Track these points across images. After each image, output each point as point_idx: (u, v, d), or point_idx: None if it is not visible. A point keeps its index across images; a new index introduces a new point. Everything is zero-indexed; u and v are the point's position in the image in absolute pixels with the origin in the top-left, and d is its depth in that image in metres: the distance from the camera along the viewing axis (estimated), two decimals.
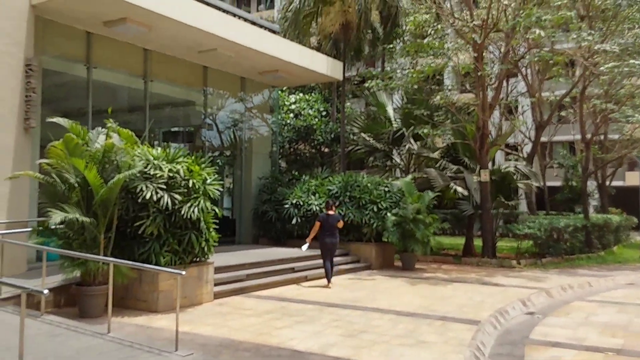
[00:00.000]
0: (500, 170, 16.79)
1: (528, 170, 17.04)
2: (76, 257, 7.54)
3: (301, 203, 14.56)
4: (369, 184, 14.44)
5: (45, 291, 4.76)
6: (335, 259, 13.38)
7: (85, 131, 8.16)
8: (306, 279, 11.72)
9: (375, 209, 13.93)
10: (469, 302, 9.72)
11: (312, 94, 22.49)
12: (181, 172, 8.44)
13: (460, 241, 21.15)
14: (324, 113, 21.53)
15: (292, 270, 11.84)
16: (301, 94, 21.92)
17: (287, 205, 14.67)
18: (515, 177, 16.72)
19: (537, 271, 14.41)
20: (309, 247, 11.68)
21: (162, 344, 6.39)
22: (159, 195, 8.11)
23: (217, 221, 9.25)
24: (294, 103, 20.90)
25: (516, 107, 25.66)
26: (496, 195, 16.28)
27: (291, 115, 20.34)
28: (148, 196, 8.03)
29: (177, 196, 8.25)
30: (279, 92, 20.27)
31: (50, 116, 8.23)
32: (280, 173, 17.27)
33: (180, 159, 8.63)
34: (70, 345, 6.07)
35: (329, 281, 11.13)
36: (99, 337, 6.41)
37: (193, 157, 8.84)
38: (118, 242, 8.51)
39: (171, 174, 8.30)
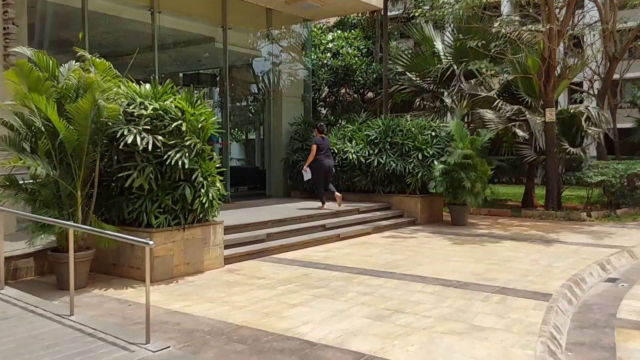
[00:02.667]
0: (568, 111, 14.47)
1: (600, 114, 14.58)
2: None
3: (336, 151, 12.85)
4: (412, 128, 12.55)
5: None
6: (376, 214, 11.85)
7: (55, 63, 6.65)
8: (339, 237, 10.15)
9: (420, 157, 12.09)
10: (533, 266, 7.92)
11: (352, 32, 20.33)
12: (172, 111, 6.86)
13: (517, 190, 19.10)
14: (364, 51, 19.41)
15: (323, 227, 10.28)
16: (339, 31, 19.83)
17: None
18: (585, 120, 14.36)
19: (612, 225, 12.34)
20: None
21: (136, 331, 4.99)
22: (143, 139, 6.58)
23: (221, 171, 7.72)
24: (332, 41, 18.85)
25: (582, 39, 22.75)
26: (562, 139, 14.06)
27: (328, 54, 18.35)
28: (130, 140, 6.52)
29: (161, 138, 6.70)
30: (314, 29, 18.35)
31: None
32: (316, 118, 15.52)
33: (170, 97, 7.04)
34: (15, 333, 4.74)
35: (323, 203, 11.29)
36: (56, 322, 5.05)
37: (183, 93, 7.22)
38: (104, 200, 7.12)
39: (157, 114, 6.74)
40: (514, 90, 15.56)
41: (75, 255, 6.44)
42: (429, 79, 16.39)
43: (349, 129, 13.29)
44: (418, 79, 16.94)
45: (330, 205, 11.46)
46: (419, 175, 11.98)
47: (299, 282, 6.93)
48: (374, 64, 19.38)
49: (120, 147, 6.65)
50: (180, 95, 7.13)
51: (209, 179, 7.31)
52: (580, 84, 25.96)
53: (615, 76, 22.57)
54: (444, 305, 5.92)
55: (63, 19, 10.40)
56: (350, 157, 12.50)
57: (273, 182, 14.19)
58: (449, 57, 16.11)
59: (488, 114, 13.88)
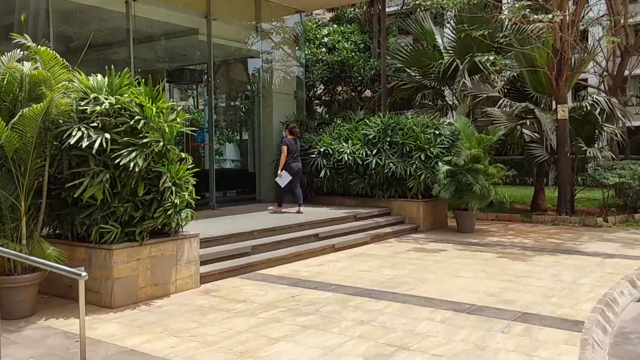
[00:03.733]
0: (582, 107, 13.43)
1: (615, 106, 13.53)
2: None
3: (330, 151, 11.83)
4: (414, 126, 11.53)
5: None
6: (375, 220, 10.92)
7: None
8: (334, 248, 9.13)
9: (422, 157, 11.07)
10: (555, 284, 6.91)
11: (349, 26, 19.31)
12: (129, 107, 5.85)
13: (524, 192, 18.15)
14: (362, 46, 18.38)
15: (316, 237, 9.26)
16: (335, 25, 18.81)
17: (313, 155, 11.99)
18: (598, 114, 13.31)
19: (633, 231, 11.33)
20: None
21: None
22: (90, 139, 5.56)
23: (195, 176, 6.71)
24: (327, 35, 17.81)
25: (589, 33, 21.76)
26: (575, 139, 13.04)
27: (323, 49, 17.30)
28: (74, 141, 5.49)
29: (109, 136, 5.68)
30: (309, 23, 17.37)
31: None
32: (310, 117, 14.48)
33: (128, 90, 6.03)
34: None
35: (280, 205, 10.91)
36: None
37: (142, 86, 6.20)
38: (57, 211, 6.10)
39: (113, 109, 5.74)
40: (520, 86, 14.59)
41: (17, 279, 5.49)
42: (430, 75, 15.38)
43: (344, 127, 12.28)
44: (418, 75, 15.95)
45: (290, 209, 10.99)
46: (422, 177, 10.96)
47: (285, 307, 5.91)
48: (371, 59, 18.38)
49: (69, 148, 5.64)
50: (138, 89, 6.10)
51: (179, 184, 6.30)
52: (585, 80, 24.95)
53: (626, 73, 21.65)
54: (457, 338, 4.90)
55: (24, 10, 9.35)
56: (346, 158, 11.48)
57: (264, 186, 13.17)
58: (451, 52, 15.11)
59: (495, 111, 12.85)
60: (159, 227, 6.39)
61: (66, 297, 6.28)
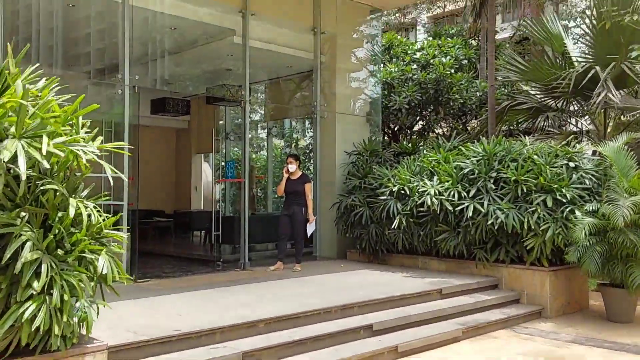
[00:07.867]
0: None
1: None
2: None
3: (407, 191, 8.21)
4: (535, 155, 7.70)
5: None
6: (473, 298, 7.15)
7: None
8: (396, 353, 5.49)
9: (548, 203, 7.16)
10: None
11: (449, 40, 15.75)
12: None
13: None
14: (464, 62, 14.71)
15: (369, 330, 5.68)
16: (430, 38, 15.37)
17: (384, 197, 8.46)
18: None
19: None
20: None
21: None
22: None
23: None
24: (420, 50, 14.38)
25: None
26: None
27: (414, 66, 13.84)
28: None
29: None
30: (396, 36, 14.15)
31: None
32: (387, 147, 10.95)
33: None
34: None
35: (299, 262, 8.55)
36: None
37: None
38: None
39: None
40: None
41: None
42: (555, 90, 11.36)
43: (430, 158, 8.64)
44: (540, 93, 12.01)
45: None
46: (548, 233, 7.02)
47: None
48: (477, 80, 14.64)
49: None
50: None
51: (71, 249, 3.16)
52: None
53: None
54: None
55: None
56: (429, 202, 7.78)
57: (322, 238, 9.81)
58: (582, 62, 11.04)
59: None
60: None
61: None
